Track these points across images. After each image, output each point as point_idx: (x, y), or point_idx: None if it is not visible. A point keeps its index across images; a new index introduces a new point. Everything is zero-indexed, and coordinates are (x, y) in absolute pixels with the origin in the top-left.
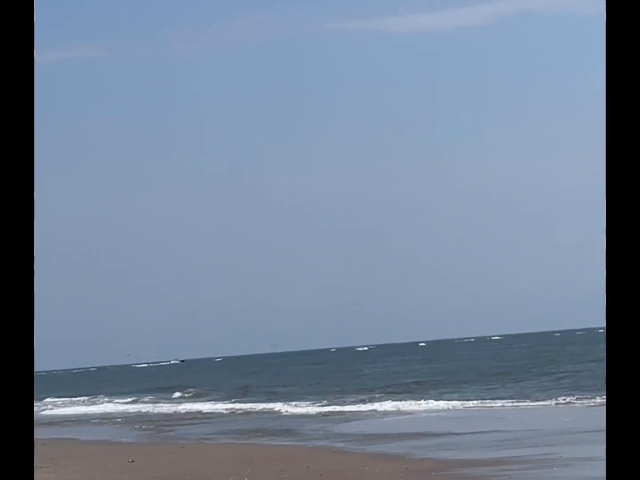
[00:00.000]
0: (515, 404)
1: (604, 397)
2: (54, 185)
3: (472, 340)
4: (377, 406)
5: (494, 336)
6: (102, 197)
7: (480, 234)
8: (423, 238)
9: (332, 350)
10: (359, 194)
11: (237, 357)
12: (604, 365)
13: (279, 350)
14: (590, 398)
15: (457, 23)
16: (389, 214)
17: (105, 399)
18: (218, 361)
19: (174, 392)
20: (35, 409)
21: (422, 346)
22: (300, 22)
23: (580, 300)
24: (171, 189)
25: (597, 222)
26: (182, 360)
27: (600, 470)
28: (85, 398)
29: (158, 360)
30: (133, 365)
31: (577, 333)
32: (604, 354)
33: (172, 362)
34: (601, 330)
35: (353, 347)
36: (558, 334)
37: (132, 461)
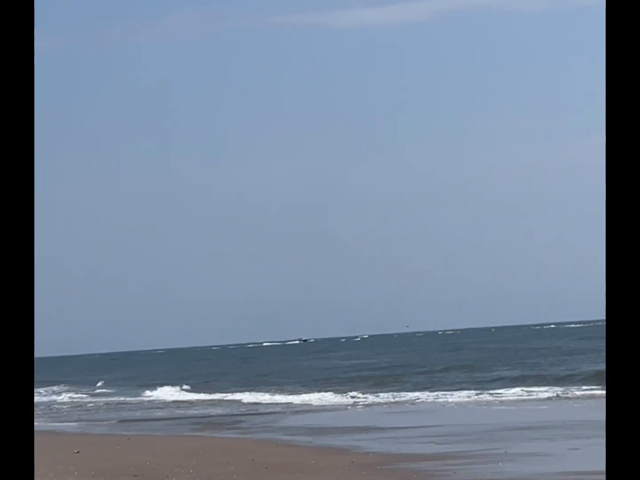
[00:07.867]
0: (464, 398)
1: (554, 390)
2: None
3: (420, 334)
4: (319, 397)
5: (448, 330)
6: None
7: (429, 229)
8: (376, 230)
9: (267, 344)
10: (303, 186)
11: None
12: (561, 360)
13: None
14: (538, 393)
15: (402, 18)
16: (334, 205)
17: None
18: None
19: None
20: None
21: (363, 339)
22: (248, 15)
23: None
24: (110, 180)
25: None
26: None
27: (545, 465)
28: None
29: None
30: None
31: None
32: (551, 348)
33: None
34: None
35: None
36: (547, 327)
37: (78, 452)
